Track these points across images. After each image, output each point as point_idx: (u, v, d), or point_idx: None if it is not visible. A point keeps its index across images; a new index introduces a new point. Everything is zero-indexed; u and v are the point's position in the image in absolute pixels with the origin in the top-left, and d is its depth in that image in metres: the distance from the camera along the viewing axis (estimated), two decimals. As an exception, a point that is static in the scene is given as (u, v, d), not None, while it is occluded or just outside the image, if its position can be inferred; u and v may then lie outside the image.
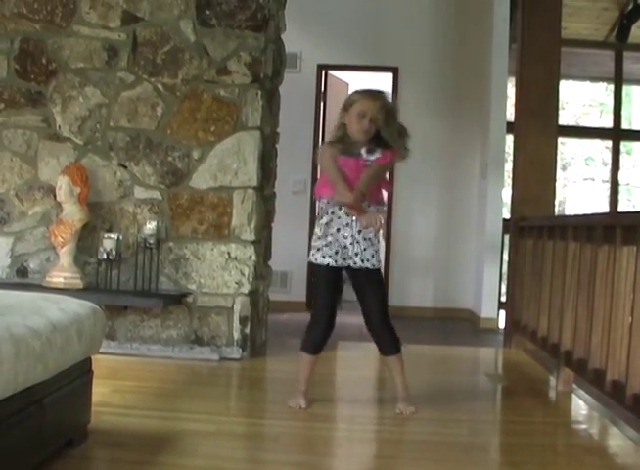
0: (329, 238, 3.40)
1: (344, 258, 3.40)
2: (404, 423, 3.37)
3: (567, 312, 4.09)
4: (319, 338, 3.53)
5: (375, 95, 3.51)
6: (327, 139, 3.53)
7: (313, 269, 3.54)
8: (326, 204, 3.43)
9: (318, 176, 3.63)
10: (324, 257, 3.40)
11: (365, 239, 3.40)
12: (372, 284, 3.48)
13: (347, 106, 3.46)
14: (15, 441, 2.13)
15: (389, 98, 3.56)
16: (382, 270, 3.51)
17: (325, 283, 3.48)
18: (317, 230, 3.44)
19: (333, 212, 3.40)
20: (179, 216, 4.64)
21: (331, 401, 3.66)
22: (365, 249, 3.40)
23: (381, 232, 3.48)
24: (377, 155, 3.41)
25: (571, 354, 3.95)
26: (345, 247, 3.39)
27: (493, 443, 3.34)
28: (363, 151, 3.41)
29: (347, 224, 3.38)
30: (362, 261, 3.40)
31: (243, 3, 4.62)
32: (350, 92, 3.68)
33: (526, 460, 2.92)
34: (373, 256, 3.42)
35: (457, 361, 4.91)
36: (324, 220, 3.42)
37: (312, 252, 3.45)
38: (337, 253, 3.39)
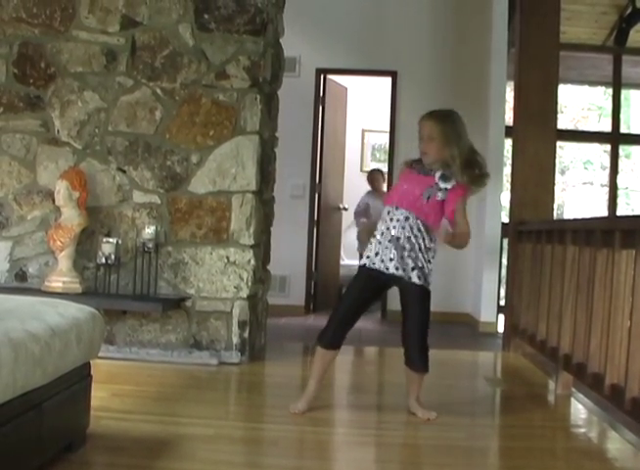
0: (378, 238, 3.42)
1: (382, 260, 3.38)
2: (403, 427, 3.37)
3: (566, 316, 4.09)
4: (326, 328, 3.47)
5: (430, 114, 3.47)
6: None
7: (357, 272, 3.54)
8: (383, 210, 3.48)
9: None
10: (367, 257, 3.43)
11: (412, 250, 3.37)
12: (413, 300, 3.44)
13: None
14: (14, 445, 2.13)
15: (452, 118, 3.47)
16: (429, 290, 3.46)
17: (361, 282, 3.47)
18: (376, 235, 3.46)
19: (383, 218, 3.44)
20: (178, 221, 4.64)
21: (330, 406, 3.66)
22: (403, 257, 3.37)
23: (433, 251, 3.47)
24: (448, 185, 3.37)
25: (570, 358, 3.95)
26: (386, 248, 3.38)
27: (492, 446, 3.34)
28: (438, 174, 3.38)
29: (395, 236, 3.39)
30: (397, 269, 3.37)
31: (241, 7, 4.62)
32: None
33: (526, 464, 2.92)
34: (413, 269, 3.38)
35: (456, 365, 4.90)
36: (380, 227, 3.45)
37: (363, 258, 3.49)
38: (376, 254, 3.40)
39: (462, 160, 3.36)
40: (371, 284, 3.45)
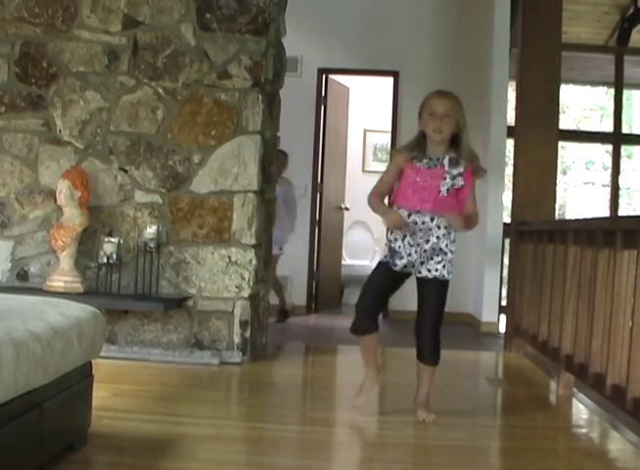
0: (399, 243, 3.36)
1: (406, 266, 3.36)
2: (404, 427, 3.37)
3: (567, 317, 4.09)
4: (356, 320, 3.44)
5: (446, 93, 3.46)
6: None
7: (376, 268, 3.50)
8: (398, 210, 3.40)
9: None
10: (392, 258, 3.37)
11: (434, 249, 3.35)
12: (431, 291, 3.41)
13: (420, 111, 3.41)
14: (15, 445, 2.13)
15: (459, 99, 3.48)
16: (448, 282, 3.44)
17: (377, 275, 3.44)
18: (389, 234, 3.45)
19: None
20: (180, 220, 4.64)
21: (331, 405, 3.66)
22: (429, 260, 3.35)
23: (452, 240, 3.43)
24: (460, 169, 3.36)
25: (572, 359, 3.95)
26: (410, 254, 3.35)
27: (494, 447, 3.34)
28: (446, 161, 3.35)
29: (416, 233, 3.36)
30: (429, 271, 3.36)
31: (243, 7, 4.62)
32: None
33: (527, 464, 2.92)
34: (444, 266, 3.36)
35: (458, 365, 4.90)
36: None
37: (385, 251, 3.44)
38: (401, 258, 3.35)
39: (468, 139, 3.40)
40: (394, 274, 3.42)
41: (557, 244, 4.45)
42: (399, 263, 3.36)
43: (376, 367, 3.53)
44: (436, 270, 3.36)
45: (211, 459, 2.76)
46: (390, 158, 3.49)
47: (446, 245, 3.36)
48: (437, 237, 3.35)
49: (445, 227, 3.36)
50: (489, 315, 6.79)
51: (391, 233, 3.42)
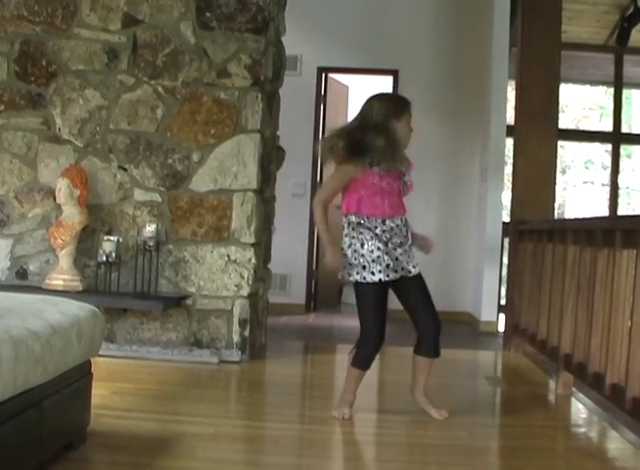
0: (376, 253, 3.27)
1: (396, 271, 3.31)
2: (403, 427, 3.37)
3: (566, 316, 4.09)
4: (371, 354, 3.41)
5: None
6: (367, 142, 3.29)
7: (358, 288, 3.36)
8: (365, 219, 3.33)
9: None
10: (380, 272, 3.27)
11: (409, 246, 3.36)
12: (419, 287, 3.40)
13: (399, 114, 3.33)
14: (14, 443, 2.13)
15: None
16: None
17: (374, 298, 3.34)
18: (359, 248, 3.31)
19: (377, 228, 3.32)
20: (179, 219, 4.64)
21: (330, 404, 3.65)
22: (410, 257, 3.35)
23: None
24: (409, 175, 3.40)
25: (571, 358, 3.95)
26: (397, 259, 3.31)
27: (493, 446, 3.33)
28: (404, 168, 3.37)
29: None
30: (413, 267, 3.35)
31: (243, 5, 4.62)
32: (388, 99, 3.53)
33: (526, 464, 2.92)
34: (413, 262, 3.37)
35: (456, 365, 4.90)
36: (364, 236, 3.32)
37: (356, 271, 3.29)
38: (388, 266, 3.28)
39: None
40: (384, 295, 3.38)
41: (556, 243, 4.45)
42: (389, 272, 3.29)
43: (354, 396, 3.44)
44: (416, 266, 3.37)
45: (210, 458, 2.76)
46: (336, 159, 3.37)
47: (409, 238, 3.38)
48: (405, 235, 3.35)
49: (407, 225, 3.38)
50: (488, 314, 6.79)
51: (362, 246, 3.30)
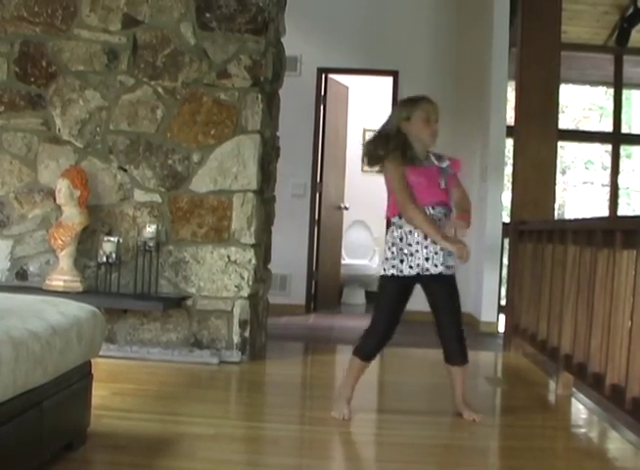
0: (414, 247, 3.34)
1: (436, 265, 3.33)
2: (404, 426, 3.37)
3: (566, 316, 4.09)
4: (374, 345, 3.45)
5: (432, 100, 3.56)
6: (380, 151, 3.42)
7: (380, 280, 3.45)
8: (398, 220, 3.38)
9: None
10: (411, 267, 3.34)
11: (448, 250, 3.34)
12: (448, 290, 3.41)
13: (408, 116, 3.44)
14: (14, 444, 2.13)
15: None
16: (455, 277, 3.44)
17: (391, 292, 3.41)
18: (391, 248, 3.38)
19: (409, 231, 3.36)
20: (179, 220, 4.64)
21: (330, 405, 3.65)
22: (437, 252, 3.34)
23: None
24: (447, 161, 3.45)
25: (571, 358, 3.95)
26: (437, 252, 3.33)
27: (493, 446, 3.33)
28: (433, 158, 3.44)
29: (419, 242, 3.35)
30: (435, 266, 3.34)
31: (243, 6, 4.62)
32: (401, 103, 3.65)
33: (526, 464, 2.92)
34: (446, 260, 3.35)
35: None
36: (396, 235, 3.37)
37: (385, 267, 3.39)
38: (427, 260, 3.33)
39: None
40: (401, 290, 3.41)
41: (556, 243, 4.45)
42: (425, 266, 3.33)
43: (352, 393, 3.47)
44: (452, 266, 3.38)
45: (210, 458, 2.76)
46: (384, 163, 3.39)
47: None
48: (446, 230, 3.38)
49: (449, 215, 3.41)
50: (488, 315, 6.79)
51: (402, 240, 3.37)
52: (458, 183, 3.52)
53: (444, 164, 3.44)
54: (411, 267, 3.34)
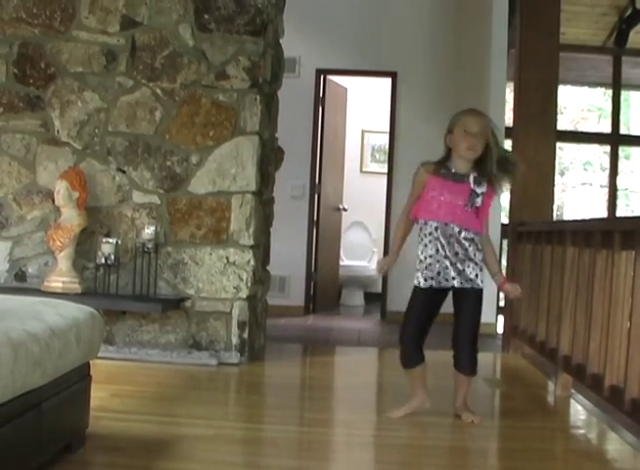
0: (428, 260, 3.37)
1: (447, 279, 3.36)
2: (403, 428, 3.36)
3: (565, 317, 4.09)
4: (404, 354, 3.49)
5: (479, 112, 3.47)
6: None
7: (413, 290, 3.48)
8: (424, 225, 3.40)
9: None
10: (425, 279, 3.38)
11: (467, 259, 3.36)
12: (469, 302, 3.42)
13: (451, 127, 3.42)
14: (13, 445, 2.13)
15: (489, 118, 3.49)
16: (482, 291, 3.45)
17: (416, 302, 3.46)
18: (419, 256, 3.41)
19: (424, 244, 3.38)
20: (178, 221, 4.64)
21: (329, 406, 3.66)
22: (447, 267, 3.35)
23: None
24: (484, 189, 3.37)
25: (570, 359, 3.95)
26: (447, 267, 3.35)
27: (492, 448, 3.34)
28: (471, 178, 3.36)
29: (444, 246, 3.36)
30: (446, 280, 3.36)
31: (241, 8, 4.62)
32: (452, 118, 3.53)
33: (525, 465, 2.92)
34: (477, 275, 3.37)
35: (455, 366, 4.89)
36: (420, 246, 3.40)
37: (415, 275, 3.43)
38: (439, 274, 3.36)
39: (497, 158, 3.37)
40: (427, 301, 3.45)
41: (555, 245, 4.45)
42: (438, 280, 3.37)
43: (425, 391, 3.50)
44: (471, 280, 3.37)
45: (209, 460, 2.76)
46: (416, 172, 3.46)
47: (474, 254, 3.38)
48: (466, 248, 3.36)
49: (472, 238, 3.37)
50: (487, 316, 6.75)
51: (421, 252, 3.40)
52: (487, 231, 3.47)
53: (479, 190, 3.37)
54: (425, 280, 3.38)
